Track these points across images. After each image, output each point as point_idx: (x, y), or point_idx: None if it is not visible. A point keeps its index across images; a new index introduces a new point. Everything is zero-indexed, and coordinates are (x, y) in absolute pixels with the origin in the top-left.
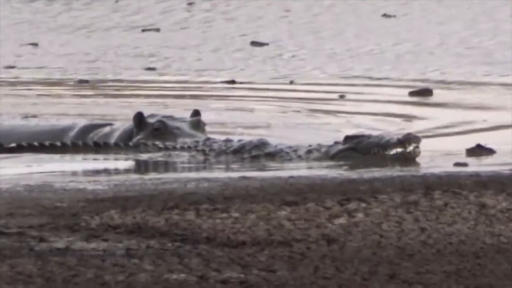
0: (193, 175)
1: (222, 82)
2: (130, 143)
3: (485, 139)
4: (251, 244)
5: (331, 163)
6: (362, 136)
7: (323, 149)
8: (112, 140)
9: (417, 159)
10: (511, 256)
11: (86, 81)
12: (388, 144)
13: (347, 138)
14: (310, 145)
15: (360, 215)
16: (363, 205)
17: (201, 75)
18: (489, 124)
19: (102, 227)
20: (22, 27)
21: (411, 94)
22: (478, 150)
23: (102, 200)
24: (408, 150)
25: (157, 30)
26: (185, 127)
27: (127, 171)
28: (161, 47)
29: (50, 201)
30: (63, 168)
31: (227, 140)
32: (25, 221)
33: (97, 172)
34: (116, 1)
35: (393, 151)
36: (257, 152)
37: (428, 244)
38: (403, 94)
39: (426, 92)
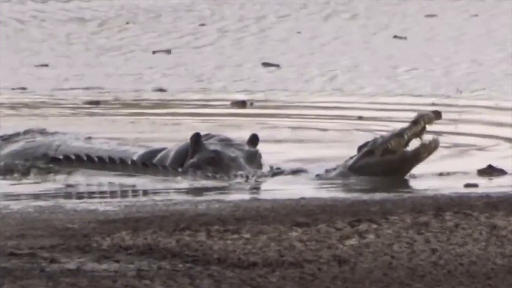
0: (204, 196)
1: (233, 103)
2: (180, 168)
3: (496, 159)
4: (262, 265)
5: (341, 182)
6: (375, 138)
7: (340, 166)
8: (168, 161)
9: (427, 181)
10: None
11: (97, 102)
12: (403, 130)
13: (360, 147)
14: (327, 169)
15: (371, 236)
16: (374, 226)
17: (212, 96)
18: (502, 144)
19: (114, 248)
20: (35, 48)
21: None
22: (490, 171)
23: (113, 221)
24: (427, 142)
25: (168, 51)
26: (241, 159)
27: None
28: (172, 69)
29: (61, 222)
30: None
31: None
32: (36, 242)
33: (110, 192)
34: (127, 23)
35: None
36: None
37: (439, 265)
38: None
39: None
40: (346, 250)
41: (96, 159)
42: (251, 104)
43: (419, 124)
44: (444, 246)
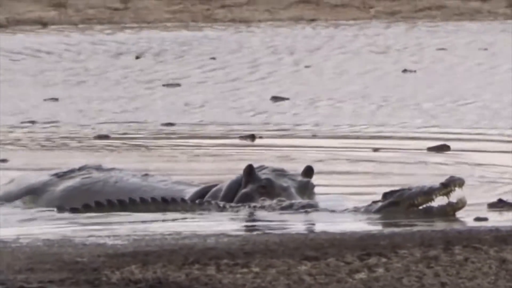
0: (213, 229)
1: (241, 137)
2: (198, 201)
3: (507, 193)
4: None
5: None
6: (402, 189)
7: (362, 209)
8: (220, 194)
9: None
10: None
11: (106, 136)
12: (432, 190)
13: (386, 194)
14: (346, 208)
15: (380, 270)
16: (384, 260)
17: (220, 130)
18: (509, 178)
19: (123, 282)
20: (43, 82)
21: (430, 149)
22: (500, 205)
23: (123, 255)
24: (455, 201)
25: (178, 85)
26: (292, 189)
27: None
28: (181, 102)
29: (70, 256)
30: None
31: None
32: (46, 276)
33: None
34: (137, 57)
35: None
36: (304, 211)
37: None
38: (422, 148)
39: (444, 148)
40: (356, 284)
41: (116, 203)
42: (260, 137)
43: (449, 187)
44: (454, 280)
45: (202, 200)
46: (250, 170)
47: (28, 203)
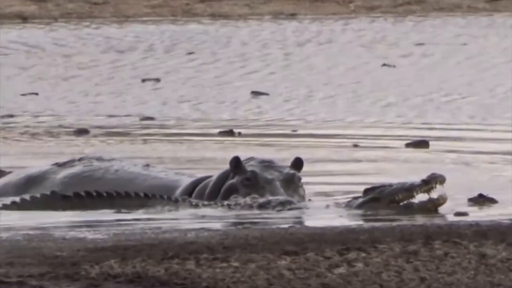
0: (193, 225)
1: (220, 132)
2: (173, 197)
3: (487, 188)
4: None
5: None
6: (383, 185)
7: (343, 205)
8: (209, 188)
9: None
10: None
11: (86, 131)
12: (413, 187)
13: (367, 190)
14: (328, 204)
15: (359, 265)
16: (363, 254)
17: (199, 125)
18: (492, 173)
19: (102, 276)
20: (23, 77)
21: (408, 145)
22: (480, 199)
23: (102, 249)
24: (436, 197)
25: (157, 80)
26: (277, 182)
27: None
28: (160, 97)
29: (50, 250)
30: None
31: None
32: (25, 270)
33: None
34: (117, 52)
35: (418, 198)
36: (281, 208)
37: None
38: (400, 145)
39: (423, 144)
40: (335, 278)
41: (105, 195)
42: (239, 133)
43: (430, 184)
44: (433, 275)
45: (179, 197)
46: (236, 162)
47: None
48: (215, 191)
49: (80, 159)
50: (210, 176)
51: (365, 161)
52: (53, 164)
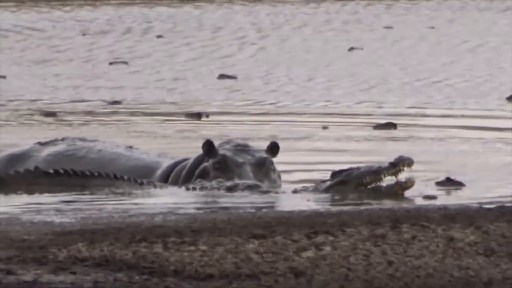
0: (161, 208)
1: (187, 115)
2: (144, 180)
3: (455, 172)
4: (219, 277)
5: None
6: (351, 168)
7: (311, 188)
8: (185, 170)
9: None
10: None
11: (53, 114)
12: (381, 169)
13: (335, 174)
14: (295, 188)
15: (327, 248)
16: (331, 238)
17: (167, 108)
18: (459, 156)
19: (70, 260)
20: None
21: (376, 127)
22: (448, 183)
23: (70, 233)
24: (403, 180)
25: (125, 63)
26: (248, 166)
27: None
28: (128, 80)
29: (17, 234)
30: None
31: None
32: None
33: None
34: (84, 35)
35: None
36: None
37: (396, 277)
38: (367, 128)
39: (390, 126)
40: (303, 262)
41: (80, 173)
42: (207, 116)
43: (398, 167)
44: (401, 258)
45: (145, 180)
46: (209, 145)
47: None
48: (190, 174)
49: (63, 139)
50: (189, 159)
51: (333, 143)
52: (35, 143)
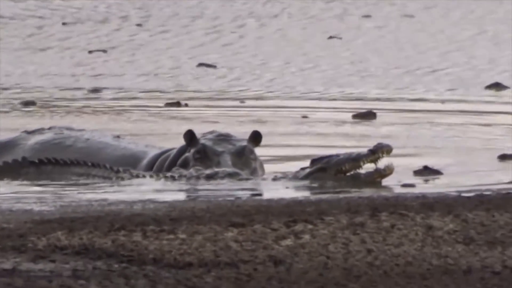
0: (139, 196)
1: (167, 104)
2: (121, 168)
3: (432, 160)
4: (198, 265)
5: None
6: (330, 156)
7: (291, 175)
8: (168, 161)
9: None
10: (457, 277)
11: (33, 103)
12: (360, 156)
13: (314, 161)
14: (275, 176)
15: (306, 237)
16: (310, 226)
17: (146, 96)
18: (437, 145)
19: (49, 248)
20: None
21: (354, 117)
22: (426, 172)
23: (49, 221)
24: (382, 167)
25: (104, 51)
26: (227, 154)
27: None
28: (108, 69)
29: None
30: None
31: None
32: None
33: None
34: (63, 24)
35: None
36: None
37: (375, 266)
38: (346, 117)
39: (370, 115)
40: (282, 250)
41: (68, 162)
42: (186, 104)
43: (377, 154)
44: (380, 246)
45: (122, 168)
46: (190, 135)
47: None
48: (173, 164)
49: (49, 128)
50: (175, 149)
51: (313, 132)
52: (22, 132)
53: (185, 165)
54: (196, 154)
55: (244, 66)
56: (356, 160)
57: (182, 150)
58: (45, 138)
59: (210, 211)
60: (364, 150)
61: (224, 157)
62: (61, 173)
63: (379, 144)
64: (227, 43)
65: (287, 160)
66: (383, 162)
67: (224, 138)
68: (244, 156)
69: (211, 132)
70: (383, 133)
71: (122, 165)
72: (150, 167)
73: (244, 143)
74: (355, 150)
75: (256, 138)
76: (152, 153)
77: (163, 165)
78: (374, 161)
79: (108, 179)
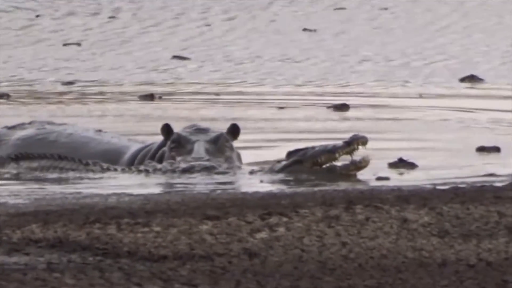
0: (114, 189)
1: (141, 96)
2: (90, 161)
3: (407, 153)
4: (172, 258)
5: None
6: (306, 148)
7: (266, 169)
8: (150, 153)
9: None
10: (432, 270)
11: (7, 95)
12: (336, 148)
13: (290, 153)
14: (252, 169)
15: (281, 230)
16: (285, 219)
17: (120, 89)
18: (412, 137)
19: (24, 241)
20: None
21: (330, 108)
22: (401, 164)
23: (24, 214)
24: (358, 159)
25: (78, 44)
26: (201, 142)
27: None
28: (82, 61)
29: None
30: None
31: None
32: None
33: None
34: (37, 16)
35: (341, 160)
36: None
37: (350, 259)
38: (322, 109)
39: (344, 107)
40: (257, 243)
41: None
42: (160, 97)
43: (352, 145)
44: (355, 239)
45: (92, 161)
46: (167, 129)
47: None
48: (153, 158)
49: (30, 123)
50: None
51: (290, 124)
52: (2, 127)
53: (162, 158)
54: (172, 144)
55: (219, 58)
56: (331, 152)
57: (162, 145)
58: (28, 133)
59: (185, 204)
60: (340, 142)
61: (198, 144)
62: (31, 167)
63: (354, 135)
64: (202, 36)
65: (264, 152)
66: (359, 154)
67: (200, 130)
68: (219, 143)
69: (191, 126)
70: (358, 126)
71: (106, 160)
72: (131, 161)
73: (220, 132)
74: (330, 142)
75: (234, 131)
76: (134, 147)
77: (143, 160)
78: (350, 152)
79: (77, 171)
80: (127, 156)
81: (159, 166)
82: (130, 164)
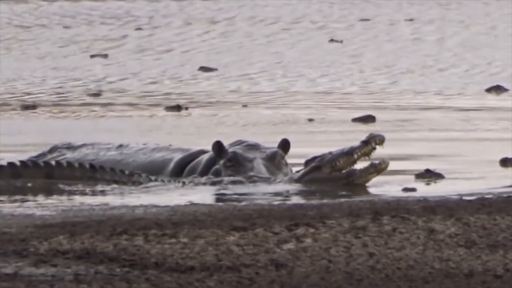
0: (141, 201)
1: (167, 107)
2: (136, 172)
3: (434, 163)
4: (199, 269)
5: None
6: (323, 154)
7: (286, 179)
8: (199, 168)
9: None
10: (459, 281)
11: (33, 107)
12: (353, 149)
13: (308, 161)
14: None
15: (308, 240)
16: (312, 230)
17: (147, 101)
18: (439, 148)
19: (51, 253)
20: None
21: (354, 120)
22: (427, 175)
23: (51, 226)
24: (377, 161)
25: (105, 56)
26: (259, 160)
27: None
28: (108, 73)
29: None
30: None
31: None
32: None
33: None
34: (64, 27)
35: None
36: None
37: (377, 269)
38: (347, 119)
39: (369, 119)
40: (284, 254)
41: (42, 165)
42: (186, 108)
43: (370, 144)
44: (382, 250)
45: (132, 171)
46: (218, 147)
47: None
48: (203, 174)
49: (50, 151)
50: (199, 151)
51: (319, 135)
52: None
53: (215, 176)
54: (228, 162)
55: (246, 69)
56: (349, 153)
57: (209, 162)
58: (79, 156)
59: (212, 215)
60: (357, 143)
61: (256, 161)
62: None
63: (371, 134)
64: (229, 47)
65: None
66: (376, 157)
67: (252, 146)
68: (276, 160)
69: (238, 142)
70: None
71: (152, 172)
72: (177, 172)
73: (275, 149)
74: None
75: (285, 145)
76: (170, 157)
77: (192, 173)
78: (368, 153)
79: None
80: (171, 166)
81: (197, 180)
82: (176, 175)
